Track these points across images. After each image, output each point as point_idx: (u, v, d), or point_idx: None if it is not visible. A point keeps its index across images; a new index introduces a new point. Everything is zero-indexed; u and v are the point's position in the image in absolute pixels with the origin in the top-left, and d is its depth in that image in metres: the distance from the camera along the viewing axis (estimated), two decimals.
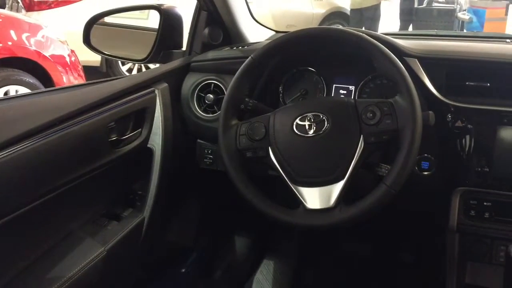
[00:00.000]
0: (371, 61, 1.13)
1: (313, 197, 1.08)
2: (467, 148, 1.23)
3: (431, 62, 1.26)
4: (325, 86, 1.42)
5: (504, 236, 1.23)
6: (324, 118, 1.11)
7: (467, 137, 1.22)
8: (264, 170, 1.28)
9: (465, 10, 5.98)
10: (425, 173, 1.26)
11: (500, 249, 1.27)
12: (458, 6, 6.15)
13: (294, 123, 1.13)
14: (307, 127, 1.12)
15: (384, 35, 1.30)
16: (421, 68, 1.25)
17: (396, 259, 1.81)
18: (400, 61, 1.11)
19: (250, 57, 1.20)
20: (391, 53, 1.10)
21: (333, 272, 1.81)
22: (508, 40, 1.50)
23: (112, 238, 1.20)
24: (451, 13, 6.04)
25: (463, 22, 5.90)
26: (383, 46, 1.11)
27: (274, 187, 1.16)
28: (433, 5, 6.69)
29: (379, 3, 5.97)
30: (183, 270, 1.64)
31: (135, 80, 1.30)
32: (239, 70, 1.20)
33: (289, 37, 1.19)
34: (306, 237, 1.88)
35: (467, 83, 1.23)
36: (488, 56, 1.25)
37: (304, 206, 1.09)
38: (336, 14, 6.81)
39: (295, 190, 1.10)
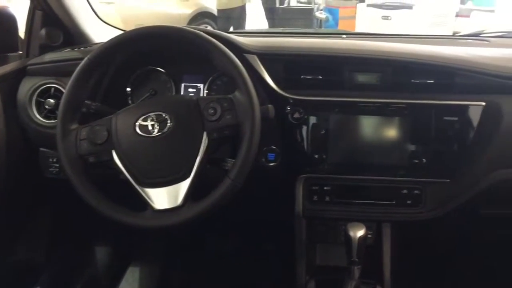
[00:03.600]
0: (210, 59, 1.14)
1: (161, 197, 1.07)
2: (305, 138, 1.31)
3: (270, 57, 1.31)
4: (173, 85, 1.41)
5: (343, 217, 1.33)
6: (166, 117, 1.10)
7: (305, 127, 1.30)
8: (115, 175, 1.24)
9: (322, 9, 6.39)
10: (272, 164, 1.31)
11: (341, 229, 1.37)
12: (316, 5, 6.56)
13: (137, 124, 1.11)
14: (150, 127, 1.10)
15: (224, 33, 1.32)
16: (260, 64, 1.29)
17: (258, 249, 1.87)
18: (239, 57, 1.13)
19: (86, 58, 1.15)
20: (228, 50, 1.12)
21: (200, 270, 1.82)
22: (344, 36, 1.62)
23: None
24: (309, 12, 6.42)
25: (321, 20, 6.29)
26: (219, 43, 1.12)
27: (126, 191, 1.13)
28: (293, 5, 7.06)
29: (244, 4, 6.13)
30: None
31: None
32: (75, 72, 1.14)
33: (124, 36, 1.16)
34: (172, 238, 1.86)
35: (302, 76, 1.31)
36: (320, 51, 1.34)
37: (152, 207, 1.07)
38: (203, 15, 6.81)
39: (142, 192, 1.08)
